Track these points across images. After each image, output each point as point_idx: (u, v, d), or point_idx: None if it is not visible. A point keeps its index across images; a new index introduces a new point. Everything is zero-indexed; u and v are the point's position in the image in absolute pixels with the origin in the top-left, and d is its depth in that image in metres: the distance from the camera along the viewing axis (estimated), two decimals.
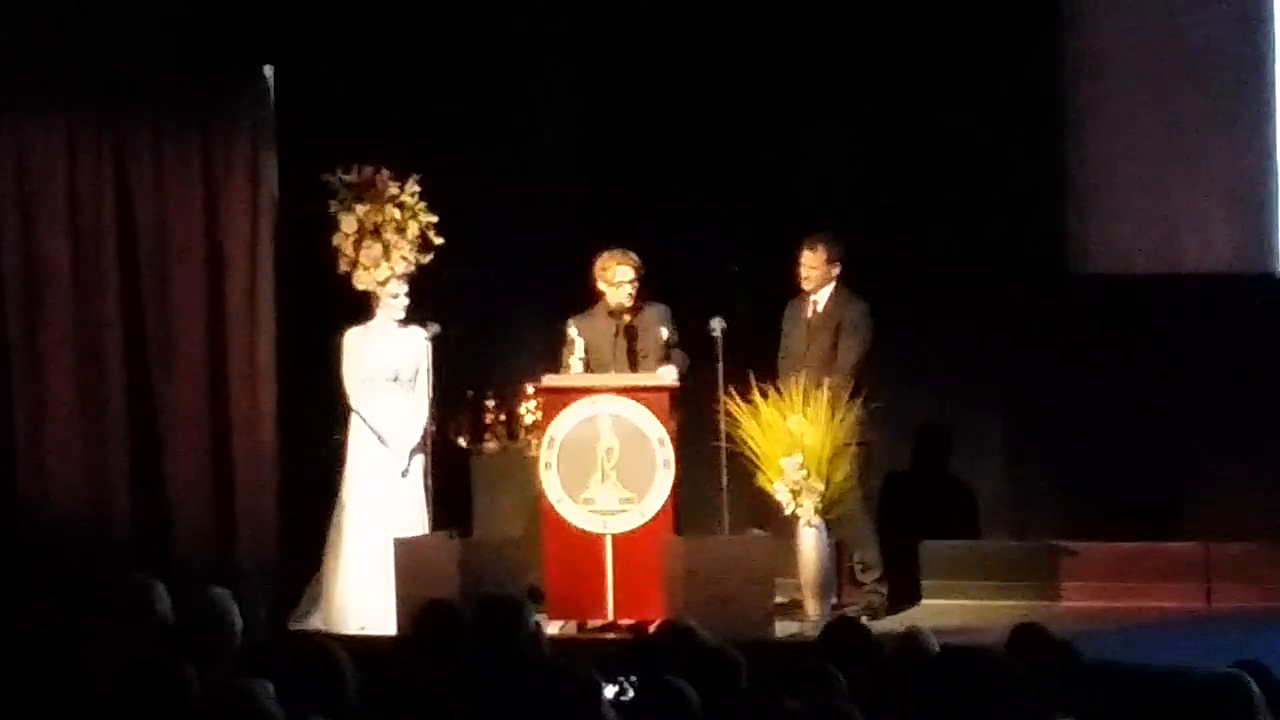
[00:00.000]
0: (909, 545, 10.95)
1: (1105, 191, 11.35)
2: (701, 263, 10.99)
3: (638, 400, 9.95)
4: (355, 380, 10.49)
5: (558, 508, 10.00)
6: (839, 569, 10.37)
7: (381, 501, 10.41)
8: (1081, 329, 11.19)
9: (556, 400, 10.12)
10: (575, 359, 10.21)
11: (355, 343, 10.51)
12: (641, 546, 9.84)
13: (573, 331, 10.25)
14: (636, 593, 9.82)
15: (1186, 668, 6.66)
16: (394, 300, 10.48)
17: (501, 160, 11.39)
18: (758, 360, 10.28)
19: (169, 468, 10.86)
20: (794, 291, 10.62)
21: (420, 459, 10.45)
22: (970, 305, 11.06)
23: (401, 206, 10.61)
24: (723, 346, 9.91)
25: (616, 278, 10.30)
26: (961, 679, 4.92)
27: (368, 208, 10.59)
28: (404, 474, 10.45)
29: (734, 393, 9.93)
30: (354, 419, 10.51)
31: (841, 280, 10.54)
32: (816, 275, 10.51)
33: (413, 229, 10.58)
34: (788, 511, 10.01)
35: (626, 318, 10.35)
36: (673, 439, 9.94)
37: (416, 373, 10.51)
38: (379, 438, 10.46)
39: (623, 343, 10.34)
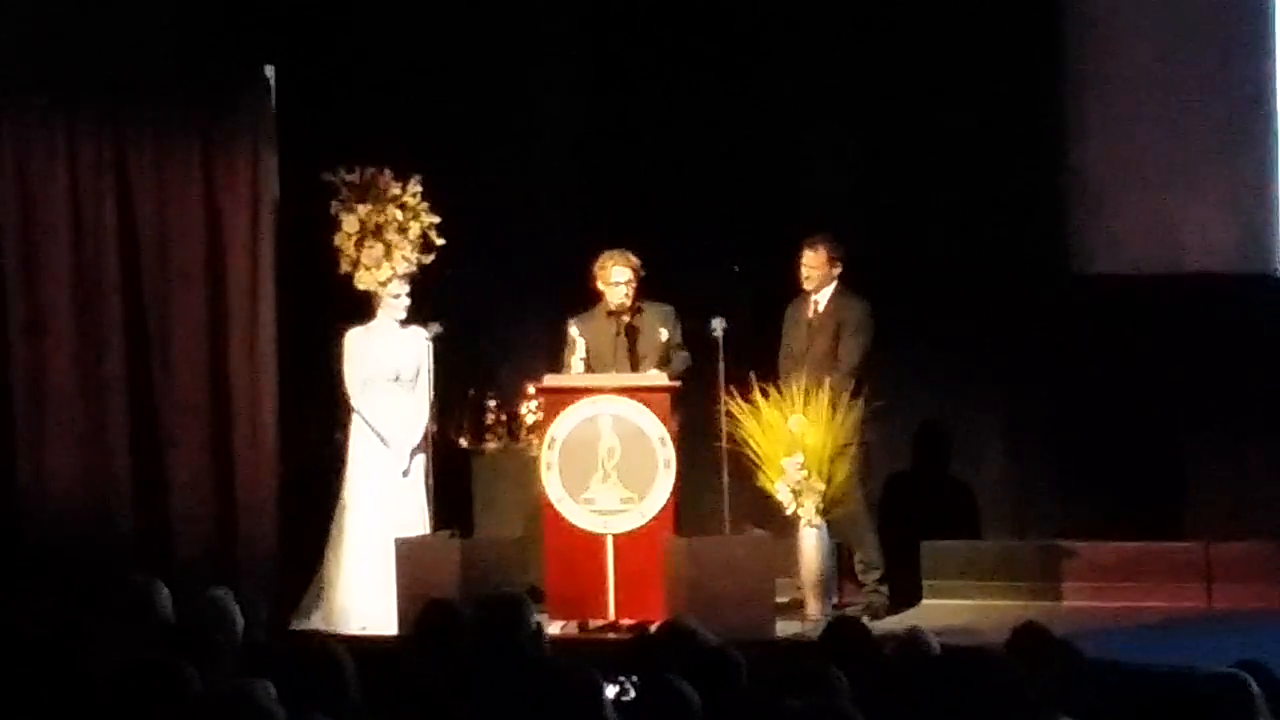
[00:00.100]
0: (910, 545, 10.96)
1: (1106, 192, 11.35)
2: (701, 263, 10.99)
3: (639, 400, 9.96)
4: (356, 380, 10.49)
5: (558, 508, 10.00)
6: (840, 569, 10.38)
7: (382, 501, 10.42)
8: (1082, 329, 11.19)
9: (557, 400, 10.12)
10: (576, 359, 10.22)
11: (356, 343, 10.51)
12: (642, 546, 9.85)
13: (574, 332, 10.26)
14: (637, 593, 9.81)
15: (1186, 668, 6.68)
16: (395, 300, 10.49)
17: (501, 160, 11.40)
18: (759, 360, 10.28)
19: (169, 467, 10.86)
20: (795, 291, 10.62)
21: (421, 459, 10.45)
22: (970, 305, 11.06)
23: (403, 207, 10.61)
24: (724, 346, 9.91)
25: (613, 278, 10.31)
26: (962, 679, 4.93)
27: (370, 208, 10.60)
28: (405, 474, 10.46)
29: (735, 393, 9.94)
30: (355, 419, 10.52)
31: (842, 280, 10.55)
32: (817, 275, 10.52)
33: (415, 229, 10.59)
34: (789, 511, 10.01)
35: (626, 318, 10.36)
36: (674, 439, 9.95)
37: (417, 373, 10.51)
38: (380, 438, 10.46)
39: (624, 343, 10.35)
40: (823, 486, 9.94)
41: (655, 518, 9.91)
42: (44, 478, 10.80)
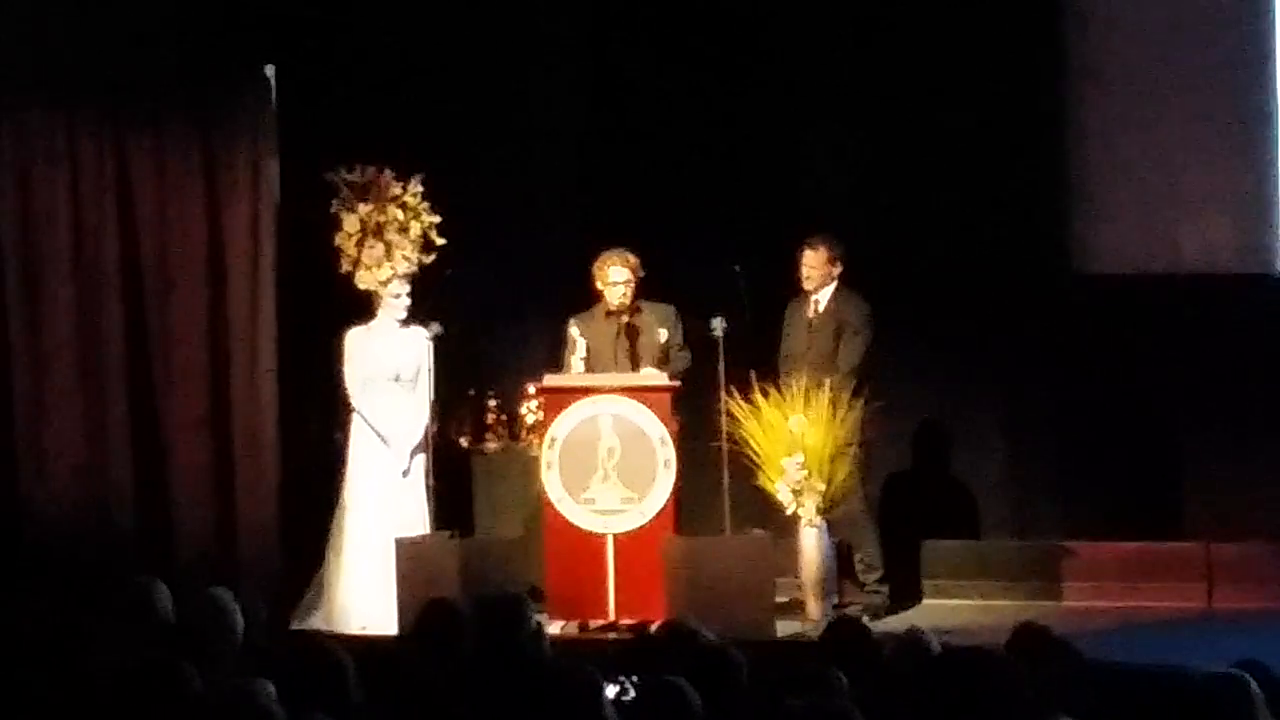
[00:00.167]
0: (910, 545, 10.95)
1: (1105, 191, 11.35)
2: (701, 263, 10.98)
3: (639, 400, 9.95)
4: (356, 380, 10.49)
5: (559, 507, 10.00)
6: (840, 569, 10.38)
7: (383, 501, 10.42)
8: (1082, 329, 11.18)
9: (557, 400, 10.12)
10: (577, 359, 10.23)
11: (356, 342, 10.51)
12: (643, 546, 9.84)
13: (574, 331, 10.26)
14: (637, 593, 9.81)
15: (1186, 668, 6.68)
16: (396, 300, 10.49)
17: (501, 160, 11.39)
18: (759, 360, 10.28)
19: (170, 467, 10.86)
20: (795, 291, 10.62)
21: (421, 459, 10.45)
22: (970, 305, 11.06)
23: (404, 207, 10.62)
24: (724, 346, 9.91)
25: (611, 278, 10.32)
26: (962, 679, 4.93)
27: (370, 207, 10.60)
28: (405, 474, 10.46)
29: (735, 392, 9.94)
30: (355, 419, 10.52)
31: (842, 280, 10.55)
32: (817, 275, 10.52)
33: (415, 229, 10.59)
34: (789, 511, 10.01)
35: (626, 318, 10.36)
36: (674, 439, 9.94)
37: (418, 372, 10.51)
38: (380, 438, 10.46)
39: (624, 343, 10.35)
40: (823, 486, 9.94)
41: (655, 518, 9.91)
42: (45, 478, 10.80)
